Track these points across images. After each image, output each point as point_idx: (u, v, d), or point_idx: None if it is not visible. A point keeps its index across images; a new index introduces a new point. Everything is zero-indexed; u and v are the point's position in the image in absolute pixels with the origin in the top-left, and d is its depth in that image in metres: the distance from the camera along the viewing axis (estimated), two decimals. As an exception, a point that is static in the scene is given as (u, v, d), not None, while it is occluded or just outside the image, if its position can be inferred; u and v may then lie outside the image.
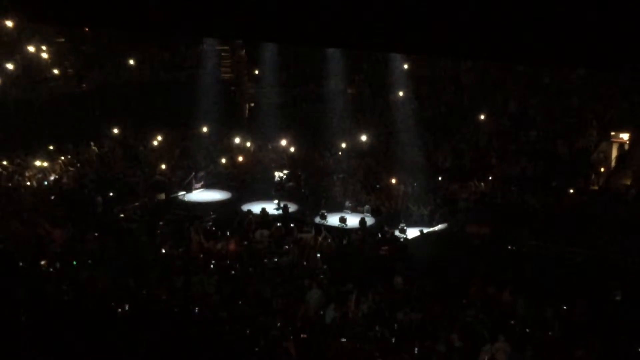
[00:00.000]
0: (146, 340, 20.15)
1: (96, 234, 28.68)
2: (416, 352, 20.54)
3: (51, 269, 24.96)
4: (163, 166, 39.34)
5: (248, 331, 21.05)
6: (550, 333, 21.76)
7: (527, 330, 21.87)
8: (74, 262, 25.30)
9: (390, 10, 19.86)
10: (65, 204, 32.67)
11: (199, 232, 29.26)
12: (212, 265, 26.24)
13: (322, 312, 22.76)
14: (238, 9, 22.50)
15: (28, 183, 34.88)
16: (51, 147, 39.07)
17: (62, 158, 38.53)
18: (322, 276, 25.53)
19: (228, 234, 29.95)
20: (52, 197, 33.68)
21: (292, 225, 31.48)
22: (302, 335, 21.09)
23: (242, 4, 22.31)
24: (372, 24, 20.98)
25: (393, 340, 21.26)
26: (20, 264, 25.08)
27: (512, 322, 22.41)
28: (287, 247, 28.74)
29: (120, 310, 22.03)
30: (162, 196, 36.21)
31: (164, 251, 27.62)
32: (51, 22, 37.18)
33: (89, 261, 25.62)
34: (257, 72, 47.59)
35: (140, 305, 22.39)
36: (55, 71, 42.78)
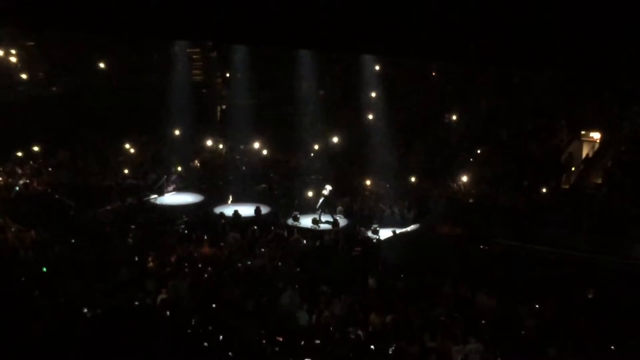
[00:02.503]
0: (117, 344, 20.03)
1: (68, 238, 28.52)
2: (390, 353, 20.55)
3: (21, 273, 24.74)
4: (135, 169, 39.19)
5: (221, 334, 20.97)
6: (523, 332, 21.84)
7: (500, 329, 21.93)
8: (44, 267, 25.10)
9: (362, 12, 19.84)
10: (36, 208, 32.47)
11: (171, 236, 29.21)
12: (185, 269, 26.13)
13: (295, 314, 22.74)
14: (211, 11, 22.42)
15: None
16: (20, 153, 38.85)
17: (32, 162, 38.30)
18: (295, 278, 25.52)
19: (202, 237, 29.86)
20: (23, 201, 33.45)
21: (265, 227, 31.51)
22: (276, 338, 21.03)
23: (215, 6, 22.23)
24: (345, 25, 20.97)
25: (366, 341, 21.24)
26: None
27: (485, 321, 22.46)
28: (261, 249, 28.70)
29: (91, 314, 21.87)
30: (134, 200, 36.03)
31: (135, 255, 27.49)
32: (20, 25, 36.89)
33: (60, 265, 25.45)
34: (228, 74, 47.48)
35: (112, 310, 22.23)
36: (24, 75, 42.51)
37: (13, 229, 28.55)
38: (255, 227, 31.15)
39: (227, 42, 40.95)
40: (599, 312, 22.82)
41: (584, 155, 38.49)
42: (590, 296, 24.38)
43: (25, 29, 41.08)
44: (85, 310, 21.96)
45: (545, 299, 23.34)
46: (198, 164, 41.87)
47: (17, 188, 34.88)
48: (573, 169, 37.78)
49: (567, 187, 36.92)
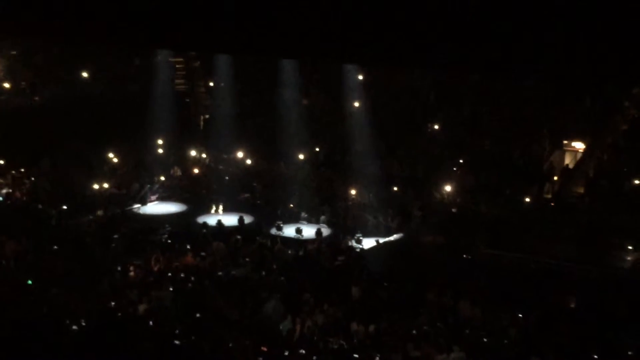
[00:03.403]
0: (101, 355, 20.01)
1: (50, 247, 28.42)
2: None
3: (4, 284, 24.67)
4: (117, 179, 39.12)
5: (205, 344, 20.97)
6: (506, 341, 21.92)
7: (484, 338, 22.00)
8: (27, 278, 25.00)
9: (347, 21, 19.90)
10: (18, 217, 32.36)
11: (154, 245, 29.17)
12: (167, 279, 26.09)
13: (279, 324, 22.74)
14: (194, 20, 22.44)
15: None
16: (1, 162, 38.75)
17: (14, 172, 38.18)
18: (279, 287, 25.51)
19: (185, 246, 29.80)
20: (4, 211, 33.34)
21: (248, 237, 31.50)
22: (259, 347, 21.04)
23: (199, 15, 22.26)
24: (331, 35, 21.02)
25: (350, 351, 21.27)
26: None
27: (468, 330, 22.52)
28: (245, 259, 28.67)
29: (74, 325, 21.81)
30: (117, 209, 35.94)
31: (118, 265, 27.41)
32: (3, 34, 36.79)
33: (42, 275, 25.37)
34: (211, 83, 47.43)
35: (95, 320, 22.19)
36: (7, 85, 42.40)
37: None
38: (239, 237, 31.10)
39: (210, 51, 40.87)
40: (580, 321, 22.96)
41: (566, 164, 38.64)
42: (572, 305, 24.52)
43: (8, 38, 40.90)
44: (68, 320, 21.93)
45: (527, 308, 23.44)
46: (181, 174, 41.82)
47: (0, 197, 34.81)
48: (555, 178, 37.91)
49: (549, 196, 37.05)
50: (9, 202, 34.58)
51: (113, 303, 23.41)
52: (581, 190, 36.36)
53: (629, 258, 30.44)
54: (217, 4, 20.01)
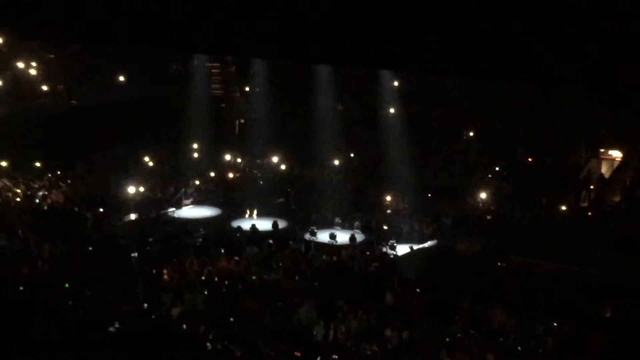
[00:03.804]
0: (135, 358, 20.09)
1: (85, 250, 28.58)
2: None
3: (39, 286, 24.81)
4: (153, 182, 39.31)
5: (237, 349, 20.97)
6: (540, 350, 21.75)
7: (517, 347, 21.84)
8: (64, 281, 25.12)
9: (380, 27, 19.91)
10: (54, 220, 32.60)
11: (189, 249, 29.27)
12: (201, 282, 26.14)
13: (312, 329, 22.70)
14: (230, 25, 22.54)
15: (17, 199, 34.80)
16: (39, 165, 39.08)
17: (50, 174, 38.49)
18: (312, 293, 25.47)
19: (220, 250, 29.86)
20: (41, 214, 33.59)
21: (282, 242, 31.53)
22: (292, 352, 21.01)
23: (234, 21, 22.35)
24: (362, 40, 21.04)
25: (383, 357, 21.20)
26: (8, 279, 24.93)
27: (502, 339, 22.37)
28: (278, 264, 28.67)
29: (109, 328, 21.90)
30: (152, 212, 36.10)
31: (152, 268, 27.50)
32: (40, 38, 37.14)
33: (78, 277, 25.49)
34: (247, 88, 47.55)
35: (130, 323, 22.27)
36: (45, 88, 42.76)
37: (32, 241, 28.63)
38: (273, 242, 31.14)
39: (246, 56, 41.04)
40: (615, 331, 22.71)
41: (603, 173, 38.36)
42: (607, 315, 24.26)
43: (45, 42, 41.29)
44: (102, 323, 22.03)
45: (562, 317, 23.25)
46: (216, 178, 41.95)
47: (37, 200, 35.06)
48: (592, 186, 37.64)
49: (585, 204, 36.79)
50: (45, 205, 34.80)
51: (147, 306, 23.49)
52: (617, 198, 36.07)
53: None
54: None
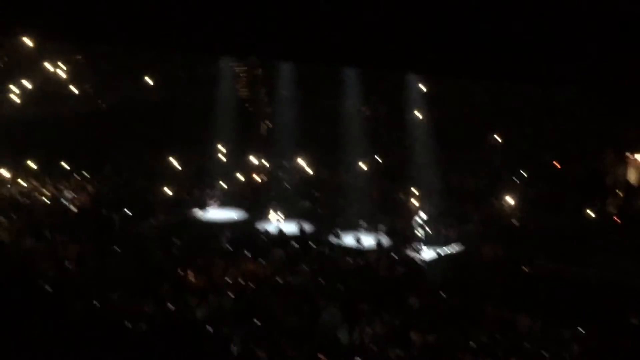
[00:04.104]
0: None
1: (112, 251, 28.75)
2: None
3: (67, 286, 24.97)
4: (179, 184, 39.46)
5: (262, 351, 21.02)
6: (566, 356, 21.65)
7: (543, 352, 21.77)
8: (90, 282, 25.28)
9: (408, 30, 19.93)
10: (82, 222, 32.81)
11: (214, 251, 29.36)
12: (227, 284, 26.22)
13: (337, 332, 22.71)
14: (255, 28, 22.63)
15: (45, 200, 35.06)
16: (66, 166, 39.35)
17: (77, 175, 38.74)
18: (337, 295, 25.49)
19: (245, 253, 29.94)
20: (69, 215, 33.81)
21: (307, 244, 31.59)
22: (316, 355, 21.04)
23: (259, 23, 22.43)
24: (390, 44, 21.05)
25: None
26: (37, 280, 25.11)
27: (528, 344, 22.30)
28: (303, 266, 28.72)
29: (134, 329, 22.01)
30: (178, 214, 36.25)
31: (178, 269, 27.61)
32: (68, 39, 37.32)
33: (104, 279, 25.65)
34: (273, 91, 47.59)
35: (156, 325, 22.38)
36: (74, 89, 43.00)
37: (59, 242, 28.86)
38: (298, 244, 31.20)
39: (273, 59, 41.16)
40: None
41: (630, 178, 38.12)
42: (634, 321, 24.12)
43: (73, 43, 41.49)
44: (127, 324, 22.15)
45: (588, 323, 23.14)
46: (242, 180, 42.05)
47: (64, 201, 35.28)
48: (619, 192, 37.42)
49: (612, 210, 36.57)
50: (72, 206, 35.02)
51: (172, 308, 23.59)
52: (645, 204, 35.90)
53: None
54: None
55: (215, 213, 38.68)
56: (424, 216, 36.14)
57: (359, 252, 31.72)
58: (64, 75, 42.51)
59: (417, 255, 32.09)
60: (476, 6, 18.53)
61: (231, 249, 30.74)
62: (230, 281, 26.52)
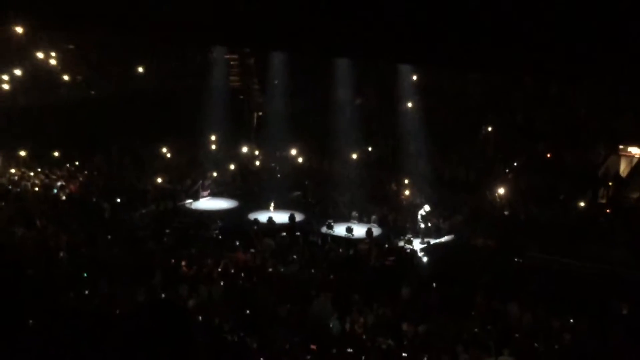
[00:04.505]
0: (150, 349, 20.11)
1: (103, 241, 28.68)
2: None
3: (58, 275, 24.89)
4: (170, 174, 39.40)
5: (253, 340, 20.99)
6: (556, 346, 21.69)
7: (534, 343, 21.79)
8: (81, 271, 25.20)
9: (400, 21, 19.89)
10: (72, 210, 32.72)
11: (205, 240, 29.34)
12: (218, 274, 26.17)
13: (328, 322, 22.69)
14: (251, 19, 22.59)
15: (36, 189, 34.94)
16: (57, 154, 39.24)
17: (68, 165, 38.64)
18: (328, 286, 25.46)
19: (236, 242, 29.90)
20: (59, 203, 33.72)
21: (298, 235, 31.59)
22: (308, 345, 21.02)
23: (254, 14, 22.38)
24: (382, 35, 21.02)
25: (398, 351, 21.18)
26: (27, 270, 24.99)
27: (518, 334, 22.32)
28: (294, 256, 28.70)
29: (124, 318, 21.92)
30: (169, 204, 36.18)
31: (169, 259, 27.53)
32: (59, 27, 37.13)
33: (95, 268, 25.56)
34: (265, 80, 47.43)
35: (145, 314, 22.27)
36: (66, 77, 42.84)
37: (49, 230, 28.76)
38: (289, 234, 31.18)
39: (266, 49, 41.07)
40: (633, 328, 22.61)
41: (621, 169, 38.15)
42: (624, 312, 24.15)
43: (64, 31, 41.26)
44: (118, 313, 22.07)
45: (579, 313, 23.18)
46: (234, 170, 41.99)
47: (55, 190, 35.17)
48: (610, 183, 37.43)
49: (603, 201, 36.60)
50: (63, 195, 34.91)
51: (163, 296, 23.52)
52: (636, 195, 35.87)
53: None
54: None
55: (207, 203, 38.65)
56: (416, 207, 36.15)
57: (350, 242, 31.71)
58: (55, 64, 42.34)
59: (409, 246, 32.08)
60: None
61: (222, 239, 30.70)
62: (221, 271, 26.48)
